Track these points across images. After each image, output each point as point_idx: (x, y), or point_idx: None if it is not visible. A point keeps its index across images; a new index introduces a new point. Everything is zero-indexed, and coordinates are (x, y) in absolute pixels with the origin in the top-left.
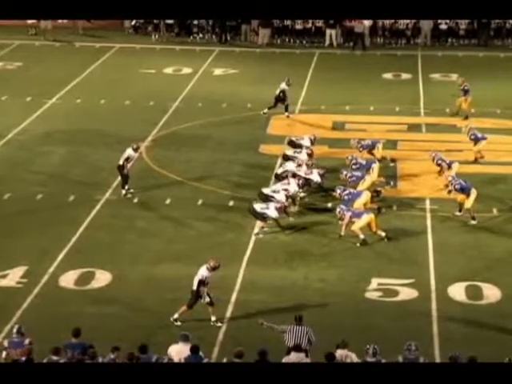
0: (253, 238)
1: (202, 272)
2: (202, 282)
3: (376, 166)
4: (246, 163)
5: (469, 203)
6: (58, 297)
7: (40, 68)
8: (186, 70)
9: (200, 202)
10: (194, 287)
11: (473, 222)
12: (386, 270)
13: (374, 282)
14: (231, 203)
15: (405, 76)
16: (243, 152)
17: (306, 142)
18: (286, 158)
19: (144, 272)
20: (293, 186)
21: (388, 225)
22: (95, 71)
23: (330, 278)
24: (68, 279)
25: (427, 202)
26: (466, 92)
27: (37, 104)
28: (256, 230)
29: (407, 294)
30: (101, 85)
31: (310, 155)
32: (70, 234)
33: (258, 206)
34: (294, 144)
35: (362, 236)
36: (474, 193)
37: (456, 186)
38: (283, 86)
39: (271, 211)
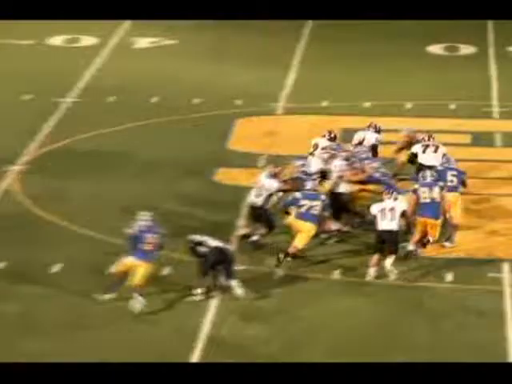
0: (208, 320)
1: (272, 182)
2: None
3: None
4: (190, 199)
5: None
6: None
7: None
8: (87, 41)
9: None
10: (259, 203)
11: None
12: None
13: None
14: (167, 271)
15: (465, 50)
16: (185, 180)
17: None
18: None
19: None
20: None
21: (444, 303)
22: None
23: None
24: None
25: (505, 267)
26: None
27: None
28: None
29: None
30: None
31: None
32: None
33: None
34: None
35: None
36: None
37: None
38: (370, 135)
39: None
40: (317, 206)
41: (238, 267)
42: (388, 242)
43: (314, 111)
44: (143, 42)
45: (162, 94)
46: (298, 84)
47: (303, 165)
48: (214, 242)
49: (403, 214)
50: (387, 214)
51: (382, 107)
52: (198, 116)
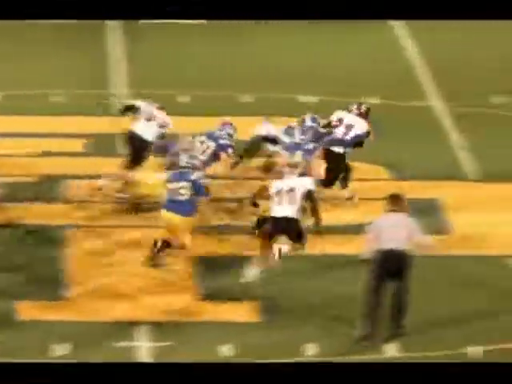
0: None
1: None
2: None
3: None
4: None
5: None
6: None
7: None
8: None
9: None
10: None
11: None
12: None
13: None
14: None
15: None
16: None
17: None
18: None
19: None
20: None
21: None
22: None
23: None
24: None
25: (141, 333)
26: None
27: None
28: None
29: None
30: None
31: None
32: None
33: None
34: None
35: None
36: None
37: None
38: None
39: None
40: (182, 188)
41: None
42: (286, 233)
43: None
44: None
45: None
46: None
47: None
48: None
49: (308, 196)
50: (284, 196)
51: None
52: None
